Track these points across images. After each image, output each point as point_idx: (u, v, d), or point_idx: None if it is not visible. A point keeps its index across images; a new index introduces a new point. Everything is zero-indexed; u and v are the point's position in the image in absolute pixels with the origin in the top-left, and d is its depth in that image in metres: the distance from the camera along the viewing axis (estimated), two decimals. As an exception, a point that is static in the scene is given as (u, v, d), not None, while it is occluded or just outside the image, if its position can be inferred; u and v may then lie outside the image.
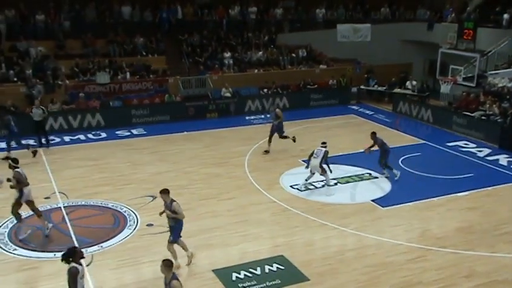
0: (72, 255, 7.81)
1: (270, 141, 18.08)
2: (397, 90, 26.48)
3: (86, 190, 14.59)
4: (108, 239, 11.63)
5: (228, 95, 24.46)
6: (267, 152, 17.95)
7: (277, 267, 10.57)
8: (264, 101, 24.78)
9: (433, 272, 10.49)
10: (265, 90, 25.55)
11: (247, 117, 23.47)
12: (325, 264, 10.75)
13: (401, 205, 13.83)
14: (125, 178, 15.66)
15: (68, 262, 7.78)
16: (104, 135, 20.61)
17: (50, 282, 10.02)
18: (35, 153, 17.66)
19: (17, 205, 11.79)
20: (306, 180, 14.75)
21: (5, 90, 21.37)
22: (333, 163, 15.45)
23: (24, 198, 11.79)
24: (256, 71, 26.67)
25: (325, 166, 14.56)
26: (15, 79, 22.22)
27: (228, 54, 26.56)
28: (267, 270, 10.46)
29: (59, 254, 10.83)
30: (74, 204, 13.67)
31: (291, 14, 30.24)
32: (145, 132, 21.00)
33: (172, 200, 10.25)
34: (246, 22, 29.04)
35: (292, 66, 27.72)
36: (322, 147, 14.70)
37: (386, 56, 28.03)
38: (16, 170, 11.88)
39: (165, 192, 10.22)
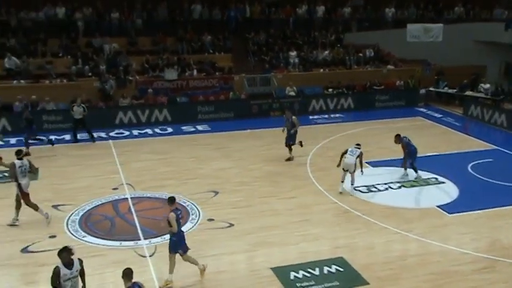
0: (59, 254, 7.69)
1: (290, 148, 17.27)
2: (468, 92, 25.45)
3: (152, 183, 15.04)
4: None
5: (292, 94, 24.43)
6: (290, 159, 17.17)
7: (336, 269, 10.46)
8: (329, 100, 24.56)
9: (501, 285, 10.02)
10: (330, 90, 25.31)
11: (310, 117, 23.35)
12: (386, 269, 10.52)
13: (469, 212, 13.30)
14: (189, 173, 16.02)
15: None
16: (170, 130, 21.17)
17: (115, 269, 10.40)
18: (51, 143, 18.25)
19: (25, 197, 12.14)
20: (342, 181, 14.54)
21: (80, 84, 22.44)
22: (396, 167, 15.05)
23: (24, 188, 12.11)
24: (321, 70, 26.47)
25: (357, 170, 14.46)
26: (90, 74, 23.27)
27: (293, 53, 26.52)
28: (325, 272, 10.38)
29: (125, 243, 11.31)
30: (139, 196, 14.13)
31: (359, 13, 29.81)
32: (209, 129, 21.38)
33: (173, 210, 9.74)
34: (313, 21, 28.89)
35: (358, 66, 27.30)
36: (356, 148, 14.53)
37: (458, 57, 26.99)
38: (13, 161, 12.11)
39: (170, 201, 9.85)
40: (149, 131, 21.02)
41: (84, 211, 12.94)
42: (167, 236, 11.60)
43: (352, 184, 14.52)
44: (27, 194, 12.16)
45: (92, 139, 19.34)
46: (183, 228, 12.07)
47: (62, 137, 19.72)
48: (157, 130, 21.12)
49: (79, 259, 8.01)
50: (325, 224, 12.56)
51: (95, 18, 25.50)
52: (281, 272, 10.30)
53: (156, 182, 15.11)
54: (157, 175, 15.71)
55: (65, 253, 7.75)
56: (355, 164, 14.32)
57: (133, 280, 7.46)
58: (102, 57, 23.90)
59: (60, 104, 21.48)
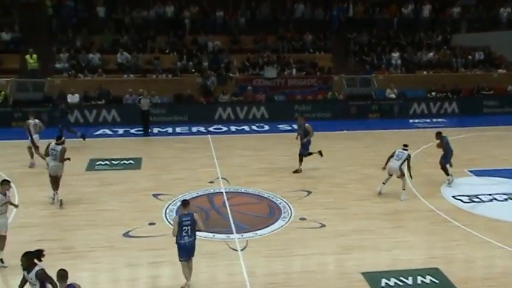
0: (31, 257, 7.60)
1: (300, 159, 15.87)
2: None
3: (246, 178, 15.32)
4: (263, 228, 12.08)
5: (393, 96, 23.73)
6: (297, 171, 15.81)
7: (430, 280, 10.01)
8: (432, 104, 23.56)
9: None
10: (434, 93, 24.25)
11: (411, 120, 22.55)
12: (486, 285, 9.88)
13: None
14: (283, 170, 16.11)
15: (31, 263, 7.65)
16: (266, 127, 21.44)
17: (208, 260, 10.75)
18: (84, 137, 18.73)
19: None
20: (384, 183, 13.98)
21: (184, 80, 23.42)
22: (506, 177, 14.10)
23: (50, 171, 13.14)
24: (425, 72, 25.46)
25: (405, 170, 13.71)
26: (193, 70, 24.20)
27: (396, 54, 25.75)
28: (419, 281, 9.96)
29: (218, 235, 11.63)
30: (234, 190, 14.45)
31: (470, 13, 28.24)
32: (306, 128, 21.34)
33: (181, 214, 9.48)
34: (419, 21, 27.82)
35: (466, 69, 25.91)
36: (403, 149, 13.77)
37: None
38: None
39: (184, 204, 9.63)
40: (246, 127, 21.43)
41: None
42: (260, 232, 11.81)
43: (403, 189, 13.83)
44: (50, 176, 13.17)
45: (146, 134, 19.96)
46: (275, 225, 12.20)
47: (164, 129, 20.70)
48: (254, 127, 21.48)
49: (39, 272, 7.61)
50: (420, 232, 12.06)
51: (201, 16, 26.44)
52: (372, 278, 10.05)
53: (250, 178, 15.36)
54: (252, 171, 15.97)
55: (24, 258, 7.71)
56: (401, 168, 13.62)
57: (68, 282, 7.22)
58: (206, 55, 24.74)
59: (164, 98, 22.57)
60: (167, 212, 12.92)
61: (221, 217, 12.73)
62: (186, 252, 9.35)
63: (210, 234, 11.75)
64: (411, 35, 27.40)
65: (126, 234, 11.65)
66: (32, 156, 15.81)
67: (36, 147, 15.68)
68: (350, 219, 12.64)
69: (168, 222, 12.35)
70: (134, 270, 10.21)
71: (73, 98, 21.49)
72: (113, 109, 21.50)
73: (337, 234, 11.83)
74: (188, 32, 26.12)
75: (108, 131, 20.24)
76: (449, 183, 14.69)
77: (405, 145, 14.11)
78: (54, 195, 13.17)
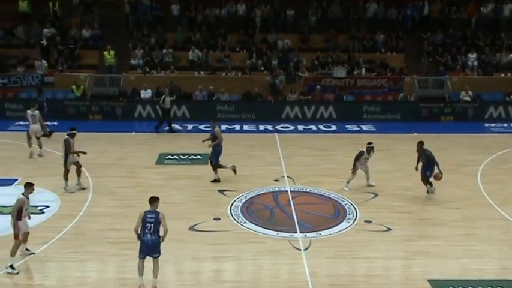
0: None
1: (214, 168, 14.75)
2: None
3: (311, 178, 15.23)
4: (327, 228, 11.98)
5: (468, 99, 22.75)
6: (216, 181, 14.64)
7: (502, 292, 9.55)
8: (510, 108, 22.37)
9: None
10: (513, 96, 23.06)
11: (486, 125, 21.55)
12: None
13: None
14: (349, 172, 15.85)
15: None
16: (334, 127, 21.22)
17: (271, 257, 10.81)
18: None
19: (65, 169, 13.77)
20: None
21: (253, 78, 23.63)
22: None
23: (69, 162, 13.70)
24: (502, 75, 24.24)
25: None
26: (262, 68, 24.35)
27: (473, 56, 24.68)
28: (489, 293, 9.54)
29: (281, 234, 11.65)
30: (299, 189, 14.41)
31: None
32: (374, 129, 20.95)
33: (147, 210, 9.30)
34: (499, 21, 26.51)
35: (549, 72, 24.39)
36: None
37: None
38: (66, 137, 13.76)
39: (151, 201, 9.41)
40: (313, 127, 21.31)
41: (246, 198, 13.62)
42: (323, 232, 11.73)
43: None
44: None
45: (172, 130, 20.03)
46: (340, 226, 12.06)
47: (232, 126, 20.98)
48: (321, 127, 21.32)
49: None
50: (492, 241, 11.51)
51: (272, 15, 26.53)
52: (439, 286, 9.71)
53: (316, 178, 15.27)
54: (317, 171, 15.86)
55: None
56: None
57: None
58: (275, 53, 24.82)
59: (234, 96, 22.88)
60: (232, 208, 13.09)
61: (285, 216, 12.74)
62: (146, 249, 9.15)
63: (274, 232, 11.79)
64: (491, 36, 26.14)
65: (191, 228, 11.92)
66: (40, 146, 16.67)
67: (30, 138, 16.51)
68: (417, 224, 12.29)
69: (233, 218, 12.53)
70: (198, 264, 10.44)
71: (146, 94, 22.25)
72: (183, 105, 22.04)
73: (403, 239, 11.53)
74: (258, 31, 26.30)
75: (178, 126, 20.79)
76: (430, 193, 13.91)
77: (369, 142, 14.40)
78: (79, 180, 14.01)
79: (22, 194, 10.18)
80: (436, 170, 13.52)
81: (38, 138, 16.70)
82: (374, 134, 20.36)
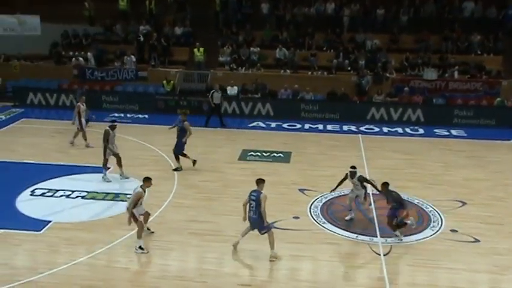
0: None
1: (176, 157, 15.32)
2: None
3: (395, 182, 14.62)
4: (409, 235, 11.59)
5: None
6: (177, 169, 15.21)
7: None
8: None
9: None
10: None
11: None
12: None
13: None
14: (435, 178, 15.26)
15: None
16: (421, 131, 20.47)
17: (348, 260, 10.65)
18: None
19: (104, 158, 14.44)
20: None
21: (339, 78, 23.36)
22: None
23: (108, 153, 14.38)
24: None
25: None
26: (349, 68, 23.99)
27: None
28: None
29: (361, 237, 11.44)
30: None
31: None
32: (465, 135, 19.97)
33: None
34: None
35: None
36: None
37: None
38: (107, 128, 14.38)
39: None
40: (399, 129, 20.68)
41: (326, 199, 13.50)
42: (405, 239, 11.38)
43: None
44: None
45: (223, 125, 20.21)
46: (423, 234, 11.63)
47: (315, 126, 20.87)
48: (407, 130, 20.64)
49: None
50: None
51: (361, 14, 26.05)
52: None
53: (399, 182, 14.76)
54: (401, 175, 15.37)
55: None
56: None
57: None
58: (363, 53, 24.36)
59: (318, 95, 22.74)
60: (312, 207, 13.03)
61: (366, 219, 12.49)
62: (251, 225, 10.42)
63: (353, 235, 11.61)
64: None
65: (271, 225, 12.01)
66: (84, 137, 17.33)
67: (81, 131, 17.31)
68: (509, 237, 11.56)
69: (312, 217, 12.47)
70: (276, 261, 10.49)
71: (232, 90, 22.68)
72: (268, 103, 22.22)
73: (492, 252, 10.91)
74: (346, 30, 25.93)
75: (261, 124, 21.01)
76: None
77: (352, 167, 12.38)
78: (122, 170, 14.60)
79: (140, 186, 10.72)
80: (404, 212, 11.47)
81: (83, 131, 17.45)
82: (465, 139, 19.46)
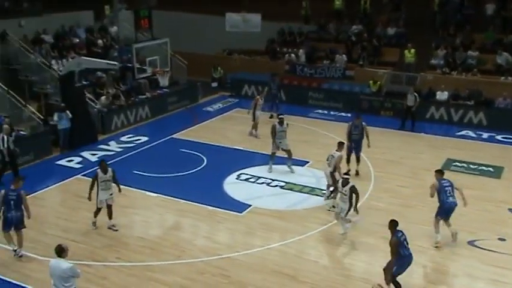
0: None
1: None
2: None
3: None
4: None
5: None
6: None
7: None
8: None
9: None
10: None
11: None
12: None
13: None
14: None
15: None
16: None
17: None
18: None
19: None
20: None
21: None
22: None
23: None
24: None
25: None
26: None
27: None
28: None
29: None
30: None
31: None
32: None
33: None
34: None
35: None
36: None
37: None
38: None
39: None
40: None
41: None
42: None
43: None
44: None
45: (403, 127, 19.41)
46: None
47: None
48: None
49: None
50: None
51: None
52: None
53: None
54: None
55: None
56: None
57: None
58: None
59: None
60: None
61: None
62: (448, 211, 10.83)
63: None
64: None
65: (471, 243, 11.13)
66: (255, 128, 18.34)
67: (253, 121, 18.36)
68: None
69: (521, 242, 11.18)
70: (470, 282, 9.71)
71: (441, 95, 21.40)
72: (481, 111, 20.42)
73: None
74: None
75: (471, 133, 19.41)
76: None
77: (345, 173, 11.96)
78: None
79: (336, 150, 12.54)
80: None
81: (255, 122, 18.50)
82: None
